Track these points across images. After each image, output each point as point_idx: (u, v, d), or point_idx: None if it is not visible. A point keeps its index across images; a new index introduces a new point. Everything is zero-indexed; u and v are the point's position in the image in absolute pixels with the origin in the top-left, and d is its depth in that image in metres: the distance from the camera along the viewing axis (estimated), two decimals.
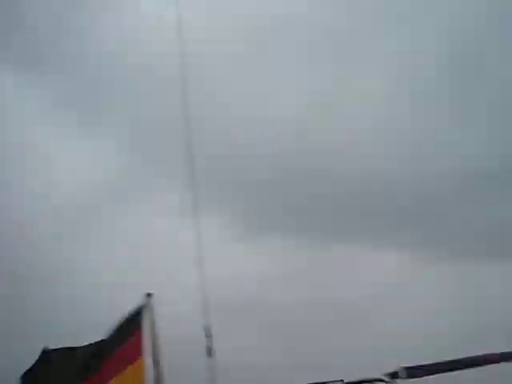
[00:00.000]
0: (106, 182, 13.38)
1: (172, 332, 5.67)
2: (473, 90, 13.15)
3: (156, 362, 5.06)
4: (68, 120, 13.97)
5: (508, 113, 12.82)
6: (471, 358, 5.14)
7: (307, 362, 9.69)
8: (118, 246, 12.36)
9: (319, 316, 11.69)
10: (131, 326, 5.28)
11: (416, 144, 13.25)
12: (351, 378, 4.71)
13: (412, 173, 13.24)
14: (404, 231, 13.34)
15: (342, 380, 4.56)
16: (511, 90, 12.70)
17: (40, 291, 11.27)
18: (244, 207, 13.86)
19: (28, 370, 5.45)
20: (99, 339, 5.40)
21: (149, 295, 5.26)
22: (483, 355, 5.16)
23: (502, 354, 5.18)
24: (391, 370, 4.80)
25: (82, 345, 5.47)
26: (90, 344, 5.43)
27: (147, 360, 5.14)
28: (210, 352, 4.96)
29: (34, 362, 5.40)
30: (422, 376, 4.89)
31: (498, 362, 5.11)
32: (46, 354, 5.37)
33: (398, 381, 4.86)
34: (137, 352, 5.17)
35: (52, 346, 5.43)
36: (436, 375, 5.00)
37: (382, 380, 4.86)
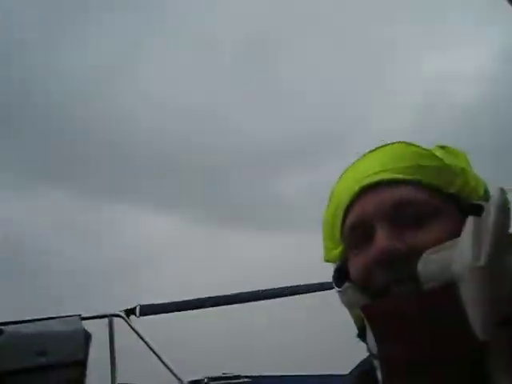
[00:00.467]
0: None
1: None
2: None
3: None
4: None
5: None
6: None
7: None
8: None
9: None
10: None
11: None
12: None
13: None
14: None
15: (80, 315, 4.43)
16: None
17: None
18: None
19: None
20: None
21: None
22: None
23: None
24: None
25: None
26: None
27: None
28: None
29: None
30: (157, 313, 4.83)
31: None
32: None
33: (133, 317, 4.79)
34: None
35: None
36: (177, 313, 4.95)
37: (119, 315, 4.77)
